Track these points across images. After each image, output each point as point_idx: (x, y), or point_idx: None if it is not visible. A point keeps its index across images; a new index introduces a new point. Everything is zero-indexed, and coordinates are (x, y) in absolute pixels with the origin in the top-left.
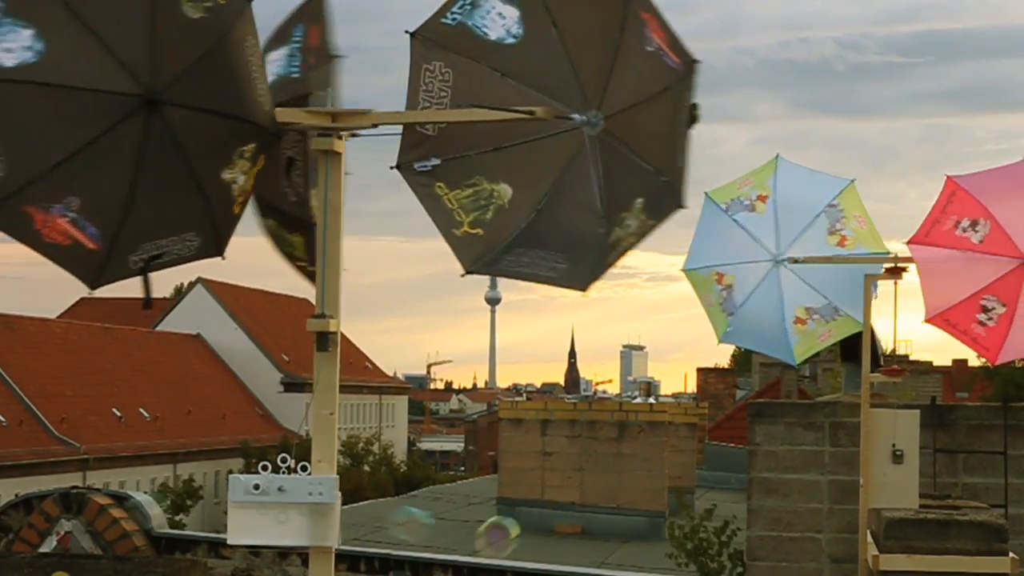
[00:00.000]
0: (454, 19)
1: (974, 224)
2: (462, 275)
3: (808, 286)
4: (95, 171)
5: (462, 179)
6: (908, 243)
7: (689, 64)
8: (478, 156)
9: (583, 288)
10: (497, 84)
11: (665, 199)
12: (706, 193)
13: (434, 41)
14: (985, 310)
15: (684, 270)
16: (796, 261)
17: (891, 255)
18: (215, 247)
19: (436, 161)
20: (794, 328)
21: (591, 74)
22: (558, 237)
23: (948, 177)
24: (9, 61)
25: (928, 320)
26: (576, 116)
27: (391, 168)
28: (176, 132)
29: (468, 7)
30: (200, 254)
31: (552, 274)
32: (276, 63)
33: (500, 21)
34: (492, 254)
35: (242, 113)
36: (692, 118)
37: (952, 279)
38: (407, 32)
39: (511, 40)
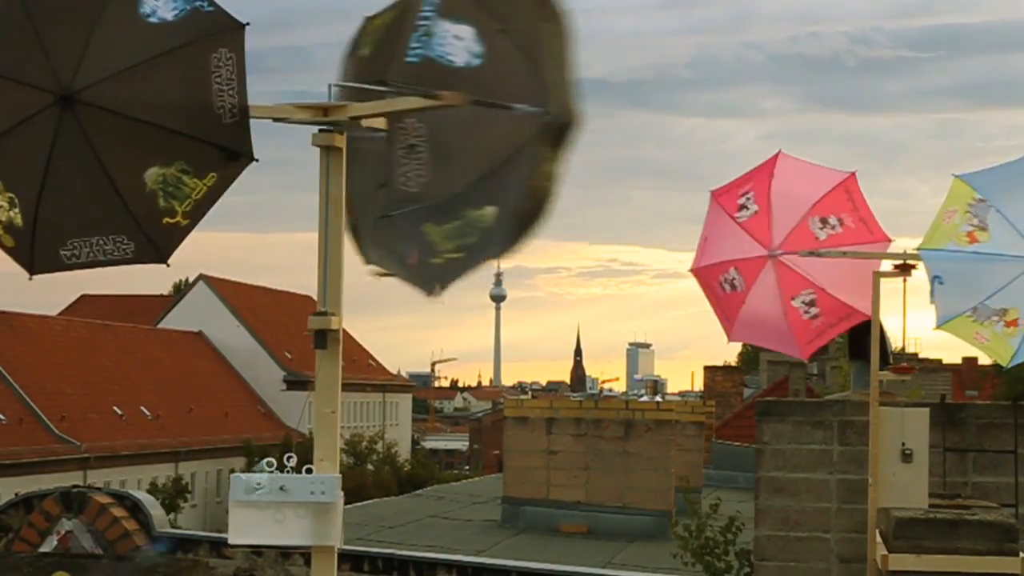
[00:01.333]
0: (417, 55)
1: (748, 199)
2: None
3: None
4: (12, 157)
5: (448, 215)
6: (712, 191)
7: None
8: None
9: (162, 260)
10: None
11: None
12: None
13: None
14: (725, 281)
15: (942, 326)
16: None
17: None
18: (155, 253)
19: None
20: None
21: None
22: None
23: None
24: None
25: (692, 269)
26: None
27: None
28: (88, 132)
29: (424, 38)
30: (139, 258)
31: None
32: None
33: (459, 43)
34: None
35: (175, 124)
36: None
37: (714, 240)
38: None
39: (477, 61)
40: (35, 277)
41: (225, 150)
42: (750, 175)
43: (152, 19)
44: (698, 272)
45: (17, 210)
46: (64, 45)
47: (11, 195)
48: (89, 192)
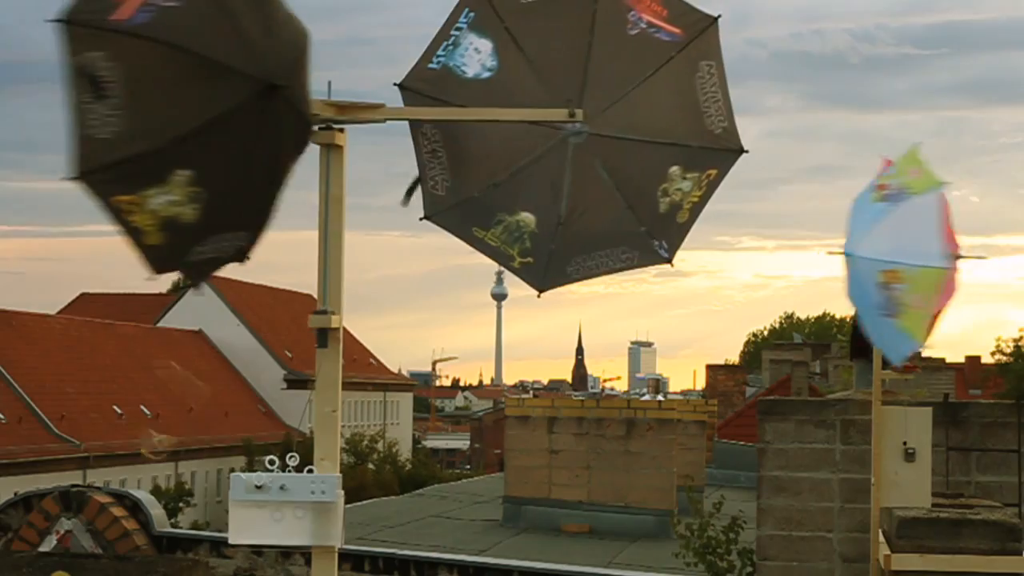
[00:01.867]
0: (439, 62)
1: None
2: (538, 295)
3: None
4: (210, 150)
5: (489, 219)
6: None
7: (696, 30)
8: (484, 195)
9: (668, 260)
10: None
11: (707, 156)
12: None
13: (417, 91)
14: None
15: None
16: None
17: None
18: (250, 249)
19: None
20: None
21: (564, 87)
22: (598, 239)
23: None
24: (143, 19)
25: None
26: (568, 126)
27: (420, 219)
28: (279, 124)
29: (450, 48)
30: (236, 256)
31: (630, 262)
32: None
33: (476, 56)
34: (552, 272)
35: (311, 114)
36: (716, 82)
37: None
38: (396, 84)
39: (487, 74)
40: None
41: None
42: None
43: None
44: None
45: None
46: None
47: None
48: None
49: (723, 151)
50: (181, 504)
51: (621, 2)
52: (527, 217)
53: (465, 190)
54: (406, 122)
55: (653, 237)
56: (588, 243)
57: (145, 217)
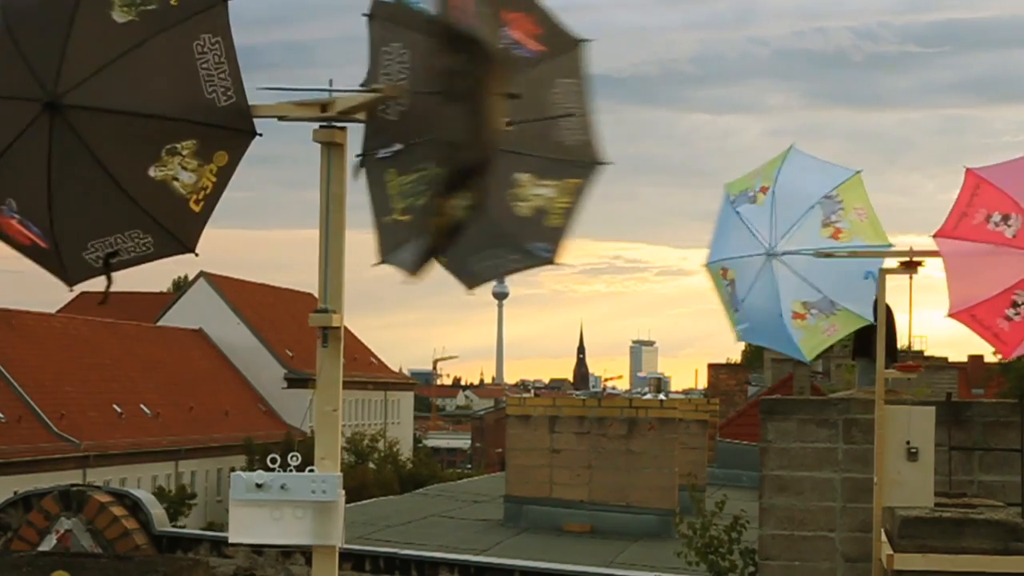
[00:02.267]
0: None
1: (1006, 218)
2: (374, 264)
3: (802, 280)
4: (17, 173)
5: (412, 164)
6: (934, 236)
7: (560, 48)
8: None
9: (550, 260)
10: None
11: (563, 167)
12: (725, 185)
13: (389, 19)
14: (1015, 305)
15: (706, 266)
16: (824, 255)
17: (893, 248)
18: (177, 244)
19: (398, 147)
20: (793, 323)
21: None
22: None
23: (968, 170)
24: None
25: (953, 315)
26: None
27: (355, 156)
28: (82, 134)
29: None
30: (164, 251)
31: (516, 264)
32: None
33: None
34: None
35: (168, 112)
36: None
37: (985, 273)
38: (364, 15)
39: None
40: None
41: (225, 129)
42: (968, 198)
43: (119, 19)
44: (964, 316)
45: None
46: (43, 52)
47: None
48: (96, 194)
49: (579, 162)
50: (184, 508)
51: (499, 18)
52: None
53: (412, 134)
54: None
55: (521, 241)
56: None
57: (19, 236)
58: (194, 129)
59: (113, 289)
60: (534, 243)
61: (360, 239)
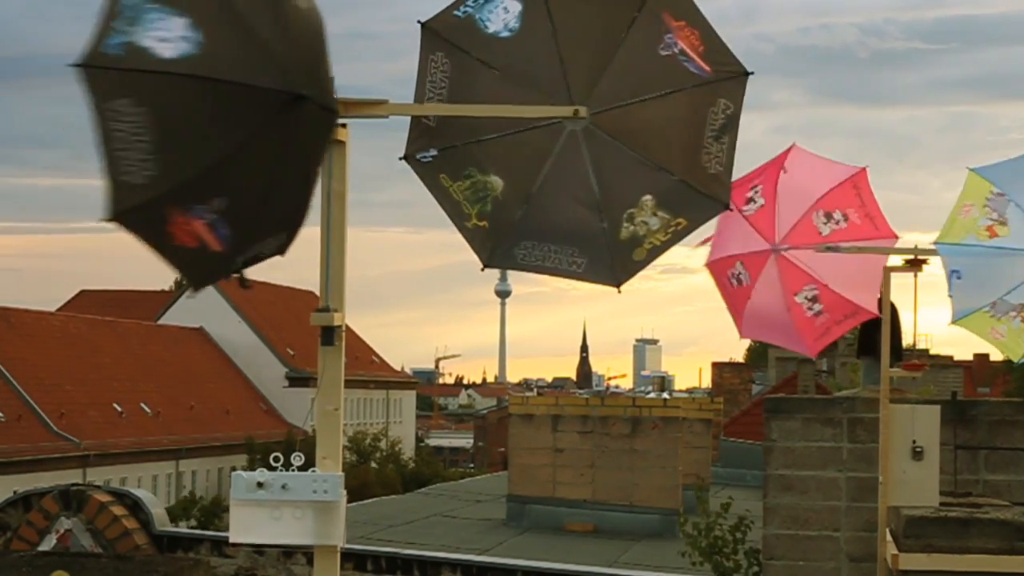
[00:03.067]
0: (465, 12)
1: (756, 193)
2: (482, 269)
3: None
4: (245, 170)
5: (460, 171)
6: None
7: (725, 73)
8: (466, 147)
9: (615, 284)
10: (485, 77)
11: (688, 198)
12: (936, 243)
13: (438, 33)
14: (735, 275)
15: (957, 322)
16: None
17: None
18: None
19: (434, 152)
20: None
21: (581, 71)
22: (557, 230)
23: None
24: (167, 52)
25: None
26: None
27: (399, 159)
28: (306, 128)
29: (482, 1)
30: (277, 252)
31: (575, 268)
32: None
33: (503, 15)
34: (501, 247)
35: (336, 106)
36: (726, 125)
37: (724, 234)
38: (418, 22)
39: (506, 34)
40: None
41: (702, 195)
42: (762, 168)
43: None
44: (709, 266)
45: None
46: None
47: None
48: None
49: (703, 196)
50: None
51: (663, 21)
52: (496, 180)
53: (449, 138)
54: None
55: (605, 254)
56: (544, 231)
57: (187, 238)
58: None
59: (114, 287)
60: (612, 260)
61: (362, 237)
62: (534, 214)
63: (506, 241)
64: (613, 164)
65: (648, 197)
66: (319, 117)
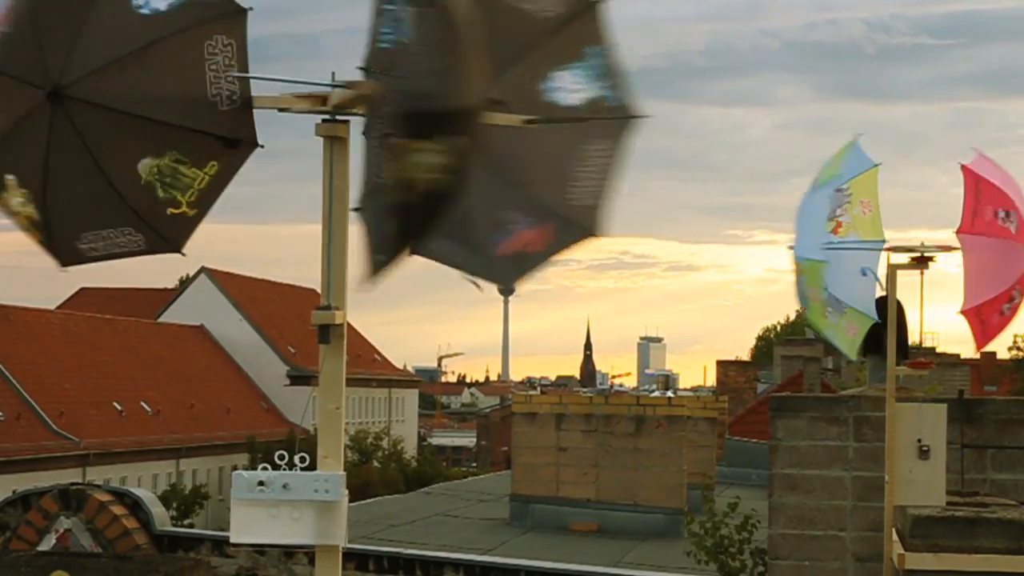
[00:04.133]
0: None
1: (1008, 215)
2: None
3: (816, 278)
4: (18, 155)
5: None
6: (957, 232)
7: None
8: None
9: (176, 250)
10: None
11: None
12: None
13: None
14: (1011, 300)
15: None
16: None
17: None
18: (166, 243)
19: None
20: (822, 321)
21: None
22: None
23: (964, 166)
24: None
25: (963, 311)
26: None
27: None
28: (79, 128)
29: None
30: (152, 249)
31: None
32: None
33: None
34: (67, 245)
35: (167, 116)
36: None
37: (995, 269)
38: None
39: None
40: (65, 268)
41: (222, 138)
42: (973, 191)
43: (144, 10)
44: (976, 311)
45: (32, 206)
46: (56, 40)
47: (24, 190)
48: (88, 187)
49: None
50: (196, 507)
51: None
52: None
53: None
54: None
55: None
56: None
57: (19, 218)
58: (190, 135)
59: (116, 285)
60: (499, 267)
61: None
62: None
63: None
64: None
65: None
66: (110, 121)
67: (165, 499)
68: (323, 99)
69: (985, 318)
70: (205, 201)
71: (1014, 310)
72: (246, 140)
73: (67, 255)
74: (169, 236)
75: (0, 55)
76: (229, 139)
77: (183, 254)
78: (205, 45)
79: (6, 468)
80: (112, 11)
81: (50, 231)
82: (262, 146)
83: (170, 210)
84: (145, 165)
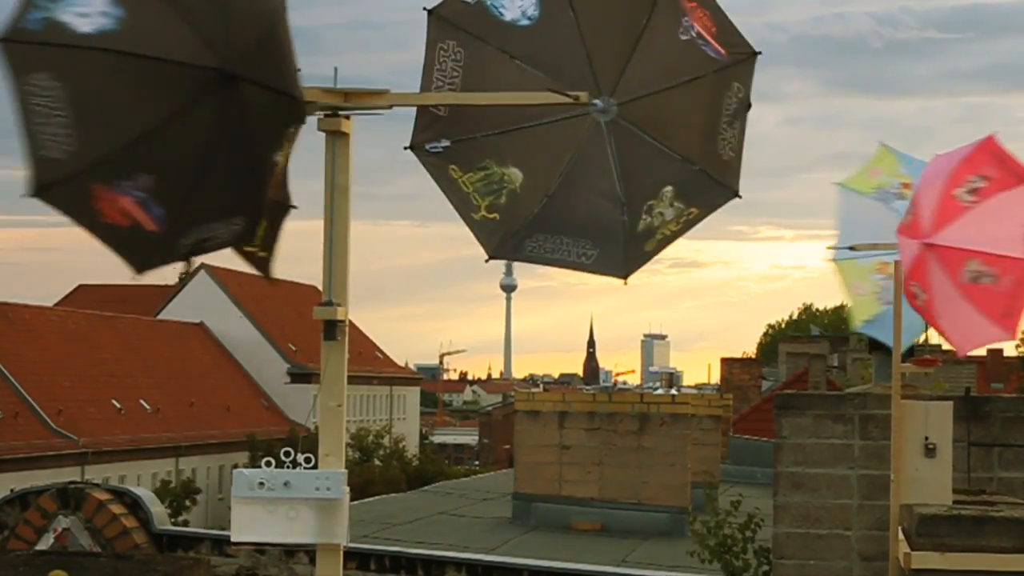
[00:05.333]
0: None
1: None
2: (486, 260)
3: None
4: (171, 147)
5: (473, 162)
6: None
7: (739, 55)
8: (484, 139)
9: (623, 276)
10: (506, 66)
11: (704, 187)
12: (840, 184)
13: (448, 20)
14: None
15: (836, 260)
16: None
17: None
18: (251, 232)
19: (446, 143)
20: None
21: (606, 59)
22: (576, 223)
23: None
24: (85, 27)
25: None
26: (596, 102)
27: (404, 148)
28: (247, 109)
29: None
30: (236, 239)
31: (584, 260)
32: None
33: (518, 2)
34: (512, 239)
35: (295, 92)
36: (738, 110)
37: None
38: (425, 9)
39: (525, 22)
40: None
41: (716, 183)
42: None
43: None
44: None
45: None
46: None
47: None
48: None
49: (717, 184)
50: (188, 502)
51: (679, 4)
52: (514, 173)
53: (464, 129)
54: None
55: (620, 247)
56: (562, 223)
57: (117, 215)
58: (300, 113)
59: (115, 282)
60: (623, 253)
61: (365, 230)
62: (554, 207)
63: (519, 233)
64: (637, 155)
65: (668, 188)
66: (269, 101)
67: (158, 494)
68: (344, 95)
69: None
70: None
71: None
72: (733, 191)
73: (158, 257)
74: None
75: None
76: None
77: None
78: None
79: (4, 466)
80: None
81: (169, 229)
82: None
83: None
84: (283, 146)
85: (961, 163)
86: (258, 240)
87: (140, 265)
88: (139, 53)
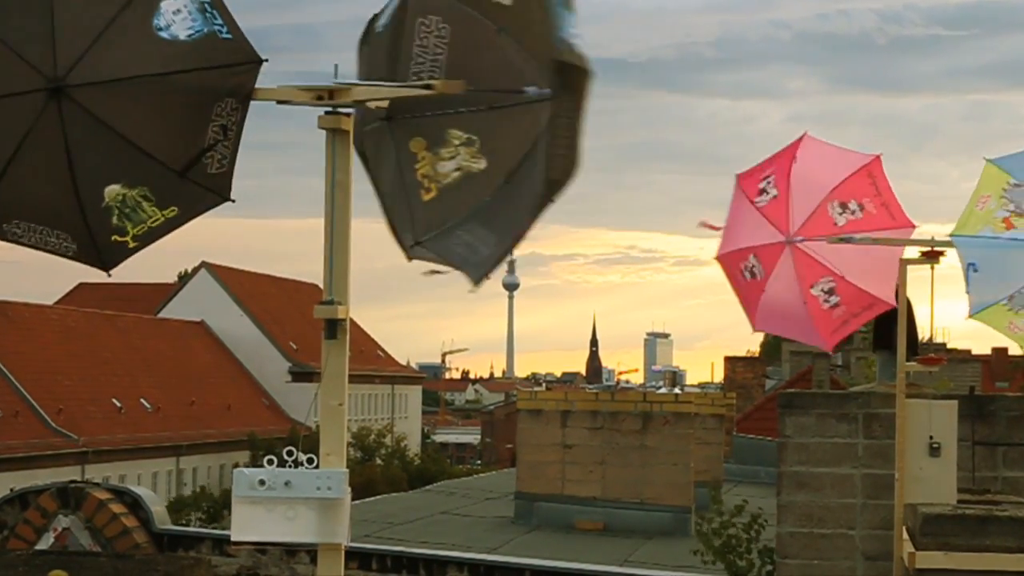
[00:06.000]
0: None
1: (768, 183)
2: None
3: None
4: (30, 179)
5: (442, 141)
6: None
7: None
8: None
9: (105, 268)
10: (495, 39)
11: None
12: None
13: None
14: (747, 268)
15: (973, 315)
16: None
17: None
18: (97, 260)
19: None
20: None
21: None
22: (33, 209)
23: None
24: None
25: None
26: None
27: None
28: (68, 129)
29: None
30: (79, 258)
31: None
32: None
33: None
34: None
35: (154, 152)
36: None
37: (736, 226)
38: None
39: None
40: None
41: (200, 186)
42: (773, 158)
43: (163, 34)
44: (720, 259)
45: None
46: (73, 34)
47: None
48: (49, 185)
49: (200, 187)
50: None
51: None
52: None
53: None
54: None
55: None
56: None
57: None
58: (169, 177)
59: (115, 281)
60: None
61: (367, 228)
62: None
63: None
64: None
65: (114, 187)
66: (82, 122)
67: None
68: (328, 92)
69: (732, 272)
70: (150, 238)
71: (755, 277)
72: (221, 196)
73: (108, 255)
74: (103, 257)
75: (10, 28)
76: (205, 189)
77: (109, 275)
78: (215, 106)
79: (4, 466)
80: (134, 25)
81: (90, 235)
82: (233, 200)
83: (115, 237)
84: (112, 190)
85: (844, 183)
86: (141, 229)
87: (104, 265)
88: None
